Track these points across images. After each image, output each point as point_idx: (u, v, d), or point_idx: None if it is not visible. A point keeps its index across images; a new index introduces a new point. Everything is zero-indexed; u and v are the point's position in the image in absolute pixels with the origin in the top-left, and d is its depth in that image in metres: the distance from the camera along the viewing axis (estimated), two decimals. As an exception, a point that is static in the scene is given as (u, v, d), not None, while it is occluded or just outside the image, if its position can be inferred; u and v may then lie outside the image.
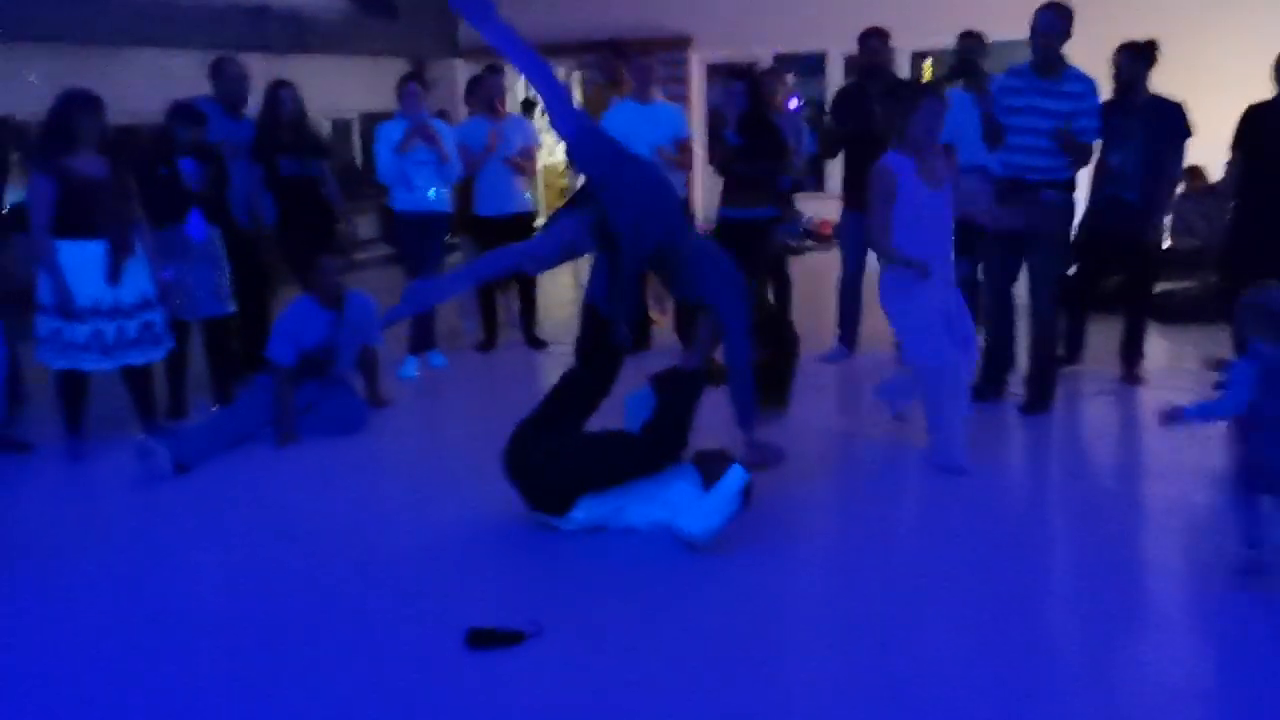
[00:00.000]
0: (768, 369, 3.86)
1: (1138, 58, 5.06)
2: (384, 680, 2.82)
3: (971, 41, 5.85)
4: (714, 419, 4.10)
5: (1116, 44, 5.22)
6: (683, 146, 5.85)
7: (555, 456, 3.71)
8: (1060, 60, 4.70)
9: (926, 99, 4.17)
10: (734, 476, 3.56)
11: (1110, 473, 4.54)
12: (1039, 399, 4.97)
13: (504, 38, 3.70)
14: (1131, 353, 5.42)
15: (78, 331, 4.49)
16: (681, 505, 3.62)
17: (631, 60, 6.28)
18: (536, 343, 6.49)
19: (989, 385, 5.12)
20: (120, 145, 4.81)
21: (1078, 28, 4.67)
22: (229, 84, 5.67)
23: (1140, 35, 5.13)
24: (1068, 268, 5.17)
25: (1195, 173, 7.15)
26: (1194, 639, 3.02)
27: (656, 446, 3.76)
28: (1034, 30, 4.69)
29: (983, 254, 5.21)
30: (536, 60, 3.73)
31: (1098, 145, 5.02)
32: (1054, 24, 4.63)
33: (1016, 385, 5.09)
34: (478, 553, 3.65)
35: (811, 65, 10.74)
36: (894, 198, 4.10)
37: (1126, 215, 5.05)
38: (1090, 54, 5.49)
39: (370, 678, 2.83)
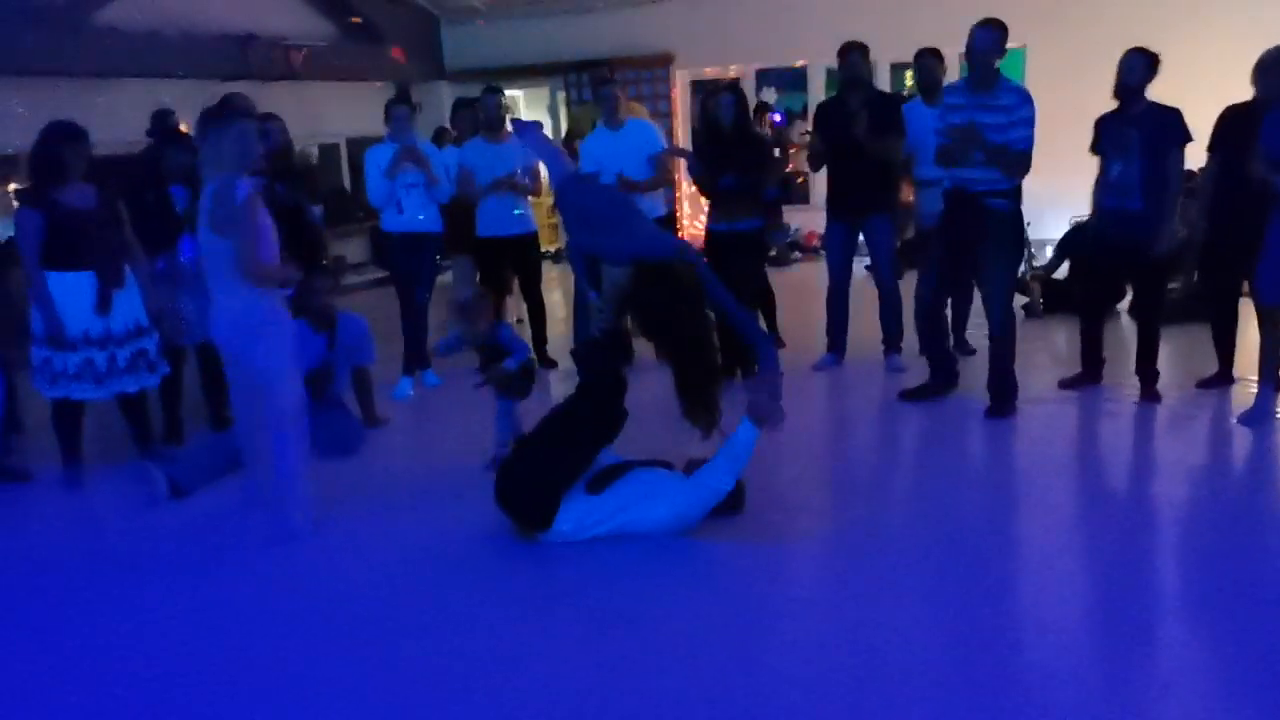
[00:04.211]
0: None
1: (1144, 64, 5.00)
2: (396, 682, 2.86)
3: (931, 58, 6.01)
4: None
5: (1096, 50, 5.28)
6: (657, 163, 5.91)
7: (530, 472, 3.77)
8: (995, 74, 4.85)
9: None
10: (744, 429, 3.73)
11: (1086, 473, 4.58)
12: (1000, 403, 5.06)
13: (534, 137, 4.97)
14: (1146, 369, 5.23)
15: (69, 361, 4.52)
16: (671, 490, 3.76)
17: (597, 90, 6.37)
18: (548, 362, 6.46)
19: (935, 389, 5.30)
20: (109, 174, 4.84)
21: (1061, 35, 4.75)
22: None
23: (1122, 41, 5.19)
24: (1017, 273, 5.25)
25: (1187, 176, 7.23)
26: (1187, 633, 3.08)
27: (597, 418, 3.84)
28: (970, 48, 4.86)
29: (926, 264, 5.34)
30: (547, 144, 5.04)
31: (1105, 158, 5.12)
32: (991, 41, 4.80)
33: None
34: (477, 566, 3.68)
35: (794, 79, 10.87)
36: None
37: (1132, 225, 5.03)
38: (1076, 62, 5.59)
39: (383, 678, 2.87)
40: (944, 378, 5.32)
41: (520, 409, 4.68)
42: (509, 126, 5.97)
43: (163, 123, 5.88)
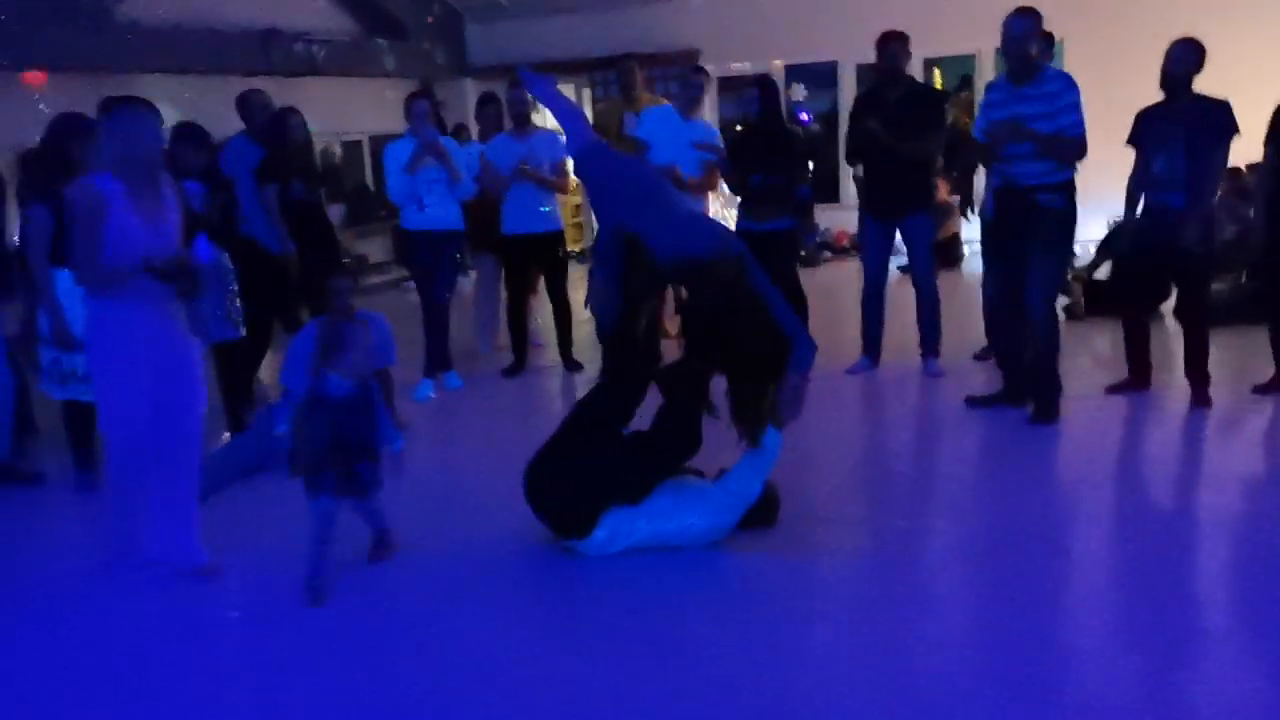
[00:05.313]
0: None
1: (1191, 55, 4.79)
2: (409, 692, 2.73)
3: None
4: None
5: (1135, 42, 5.08)
6: (708, 167, 5.81)
7: (571, 477, 3.62)
8: (1034, 63, 4.66)
9: None
10: (770, 436, 3.60)
11: (1135, 483, 4.37)
12: (1043, 408, 4.83)
13: (547, 92, 4.26)
14: (1196, 373, 5.00)
15: (77, 361, 4.41)
16: (705, 499, 3.60)
17: (688, 77, 6.34)
18: (573, 364, 6.33)
19: (1008, 393, 5.06)
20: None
21: (1099, 27, 4.56)
22: (258, 112, 5.73)
23: (1160, 33, 4.97)
24: (1065, 273, 5.03)
25: (1234, 173, 6.99)
26: (1239, 654, 2.88)
27: (670, 448, 3.68)
28: (1006, 37, 4.66)
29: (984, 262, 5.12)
30: (562, 101, 4.26)
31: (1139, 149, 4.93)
32: (1025, 28, 4.60)
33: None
34: (501, 574, 3.55)
35: (824, 76, 10.67)
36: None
37: (1173, 222, 4.80)
38: (1115, 54, 5.37)
39: (395, 688, 2.75)
40: (1017, 389, 5.03)
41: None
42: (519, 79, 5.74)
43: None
